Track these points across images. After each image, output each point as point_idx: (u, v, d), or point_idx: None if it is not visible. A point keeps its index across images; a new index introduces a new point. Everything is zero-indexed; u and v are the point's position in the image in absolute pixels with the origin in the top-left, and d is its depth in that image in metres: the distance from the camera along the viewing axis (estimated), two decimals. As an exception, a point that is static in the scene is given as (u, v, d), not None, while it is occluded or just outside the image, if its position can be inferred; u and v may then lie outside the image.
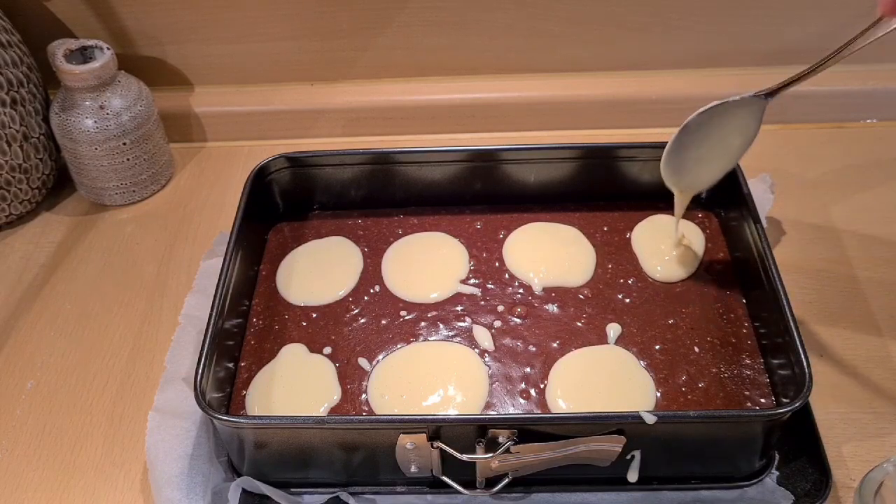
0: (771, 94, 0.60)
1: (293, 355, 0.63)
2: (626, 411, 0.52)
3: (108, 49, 0.76)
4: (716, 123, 0.61)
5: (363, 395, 0.60)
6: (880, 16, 0.54)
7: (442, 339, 0.64)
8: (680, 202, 0.66)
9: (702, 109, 0.61)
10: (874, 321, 0.66)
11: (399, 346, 0.63)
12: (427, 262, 0.70)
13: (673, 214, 0.68)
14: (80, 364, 0.67)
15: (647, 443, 0.53)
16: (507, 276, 0.68)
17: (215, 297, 0.60)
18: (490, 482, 0.55)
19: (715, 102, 0.61)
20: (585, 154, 0.72)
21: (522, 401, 0.59)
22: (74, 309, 0.72)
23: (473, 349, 0.63)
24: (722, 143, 0.62)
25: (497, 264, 0.69)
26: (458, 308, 0.66)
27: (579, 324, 0.64)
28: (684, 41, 0.83)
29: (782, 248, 0.72)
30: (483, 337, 0.63)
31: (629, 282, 0.67)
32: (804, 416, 0.58)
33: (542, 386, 0.60)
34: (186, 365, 0.63)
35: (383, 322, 0.65)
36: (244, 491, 0.56)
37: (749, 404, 0.58)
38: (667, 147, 0.64)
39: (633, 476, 0.55)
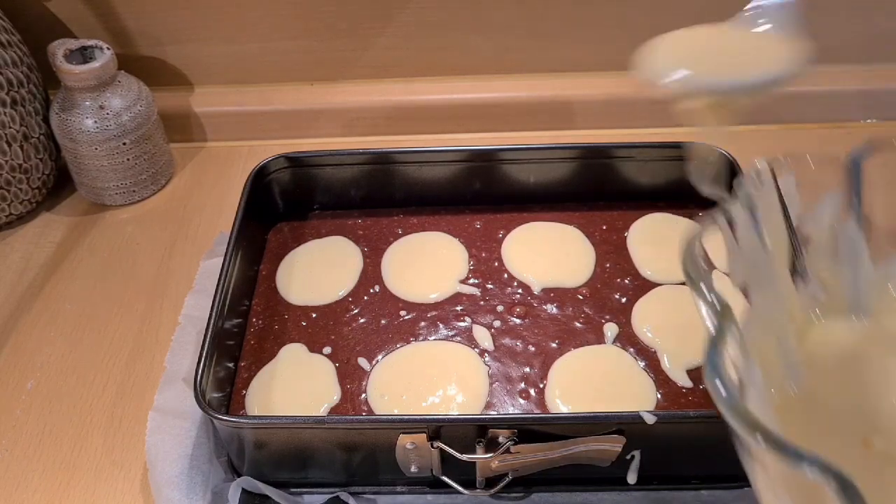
0: None
1: (293, 355, 0.63)
2: (625, 411, 0.52)
3: (108, 49, 0.76)
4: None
5: (363, 395, 0.60)
6: None
7: (442, 339, 0.64)
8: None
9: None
10: (874, 321, 0.66)
11: (399, 345, 0.63)
12: (427, 262, 0.70)
13: (672, 214, 0.67)
14: (80, 364, 0.67)
15: (647, 443, 0.53)
16: (506, 275, 0.68)
17: (215, 297, 0.60)
18: (490, 482, 0.55)
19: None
20: (585, 154, 0.72)
21: (522, 401, 0.59)
22: (74, 309, 0.72)
23: (473, 349, 0.63)
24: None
25: (496, 264, 0.69)
26: (458, 308, 0.66)
27: (577, 324, 0.64)
28: (684, 41, 0.83)
29: (782, 248, 0.72)
30: (483, 337, 0.63)
31: (626, 281, 0.67)
32: (804, 416, 0.58)
33: (541, 386, 0.60)
34: (186, 365, 0.63)
35: (383, 322, 0.65)
36: (244, 491, 0.56)
37: (749, 404, 0.58)
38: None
39: (632, 478, 0.55)
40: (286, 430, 0.54)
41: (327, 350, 0.63)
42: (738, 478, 0.56)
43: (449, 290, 0.67)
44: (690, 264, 0.36)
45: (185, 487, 0.55)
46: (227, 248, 0.63)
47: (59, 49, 0.75)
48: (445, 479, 0.55)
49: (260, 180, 0.71)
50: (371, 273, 0.69)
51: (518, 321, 0.65)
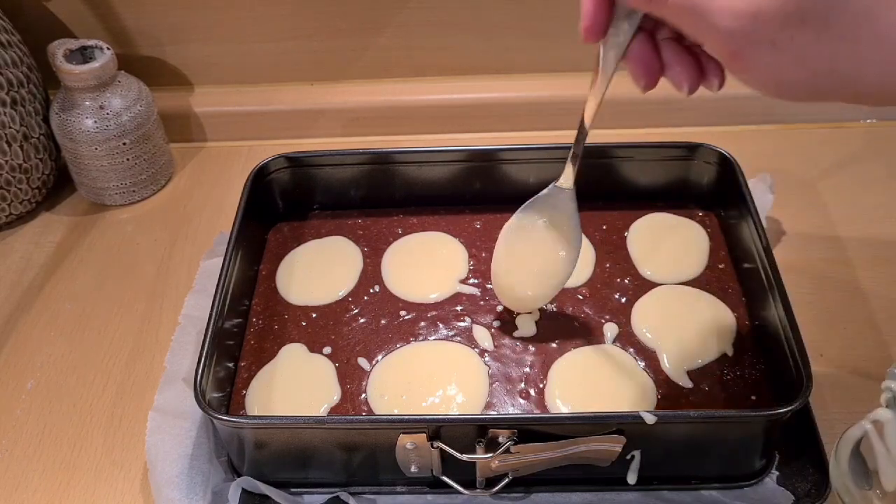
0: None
1: (293, 355, 0.63)
2: (625, 411, 0.52)
3: (108, 49, 0.76)
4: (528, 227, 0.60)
5: (363, 395, 0.60)
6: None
7: (442, 339, 0.64)
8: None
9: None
10: (874, 321, 0.66)
11: (399, 345, 0.63)
12: (427, 262, 0.70)
13: (672, 214, 0.67)
14: (80, 364, 0.67)
15: (647, 443, 0.53)
16: (506, 276, 0.68)
17: (215, 297, 0.60)
18: (490, 482, 0.55)
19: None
20: (585, 154, 0.71)
21: (522, 400, 0.59)
22: (74, 309, 0.72)
23: (473, 349, 0.63)
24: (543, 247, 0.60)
25: (497, 264, 0.69)
26: (458, 308, 0.66)
27: (577, 324, 0.64)
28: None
29: (782, 248, 0.72)
30: (483, 337, 0.63)
31: (626, 281, 0.67)
32: (804, 416, 0.58)
33: (541, 386, 0.60)
34: (186, 365, 0.63)
35: (383, 322, 0.65)
36: (244, 491, 0.56)
37: (749, 405, 0.58)
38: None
39: (632, 478, 0.55)
40: (286, 430, 0.54)
41: (327, 350, 0.63)
42: (738, 478, 0.56)
43: (449, 290, 0.67)
44: (840, 485, 0.35)
45: (185, 487, 0.55)
46: (227, 248, 0.63)
47: (59, 49, 0.75)
48: (445, 479, 0.54)
49: (260, 180, 0.71)
50: (371, 273, 0.69)
51: (518, 321, 0.65)
